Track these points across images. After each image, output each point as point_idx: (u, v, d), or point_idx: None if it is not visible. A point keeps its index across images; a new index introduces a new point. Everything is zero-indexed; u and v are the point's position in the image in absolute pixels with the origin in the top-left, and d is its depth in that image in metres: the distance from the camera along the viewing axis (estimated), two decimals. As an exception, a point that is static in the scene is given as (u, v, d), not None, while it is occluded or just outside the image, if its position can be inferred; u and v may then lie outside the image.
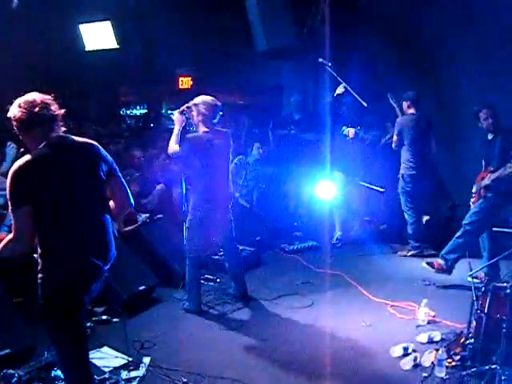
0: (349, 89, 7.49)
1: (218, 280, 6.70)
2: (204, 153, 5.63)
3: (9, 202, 3.19)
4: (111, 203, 3.61)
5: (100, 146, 3.55)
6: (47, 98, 3.39)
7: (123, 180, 3.61)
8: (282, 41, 8.83)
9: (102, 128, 11.16)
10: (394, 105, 7.91)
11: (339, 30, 8.95)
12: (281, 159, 9.48)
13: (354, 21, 9.34)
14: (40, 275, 3.32)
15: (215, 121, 5.70)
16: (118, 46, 10.39)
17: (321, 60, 7.58)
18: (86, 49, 10.47)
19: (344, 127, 8.08)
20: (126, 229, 6.68)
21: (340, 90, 7.56)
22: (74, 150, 3.41)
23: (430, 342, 5.01)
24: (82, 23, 10.28)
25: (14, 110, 3.31)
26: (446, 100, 8.96)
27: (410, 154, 7.82)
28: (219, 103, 5.72)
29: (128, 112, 15.12)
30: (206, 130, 5.68)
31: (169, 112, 14.06)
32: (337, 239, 8.49)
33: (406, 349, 4.80)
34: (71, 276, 3.34)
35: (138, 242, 6.66)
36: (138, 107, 15.14)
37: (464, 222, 6.50)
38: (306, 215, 9.21)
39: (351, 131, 7.72)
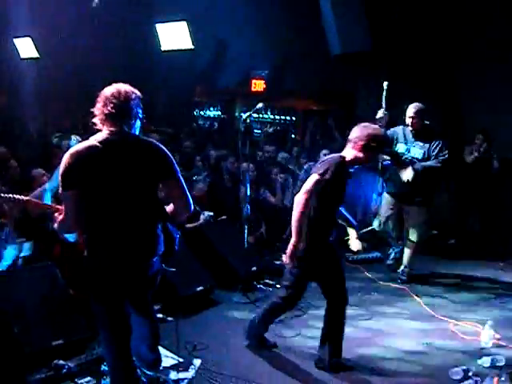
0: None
1: (278, 286, 6.58)
2: None
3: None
4: (170, 206, 3.59)
5: (163, 148, 3.53)
6: (129, 92, 3.42)
7: (184, 184, 3.55)
8: (356, 46, 8.68)
9: (173, 128, 11.28)
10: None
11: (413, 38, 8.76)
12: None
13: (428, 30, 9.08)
14: (84, 260, 3.42)
15: None
16: (193, 47, 10.49)
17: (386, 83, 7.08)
18: (162, 48, 10.62)
19: None
20: (188, 226, 6.61)
21: (379, 114, 6.97)
22: (132, 148, 3.41)
23: (493, 366, 4.73)
24: (159, 23, 10.43)
25: (98, 100, 3.40)
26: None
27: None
28: None
29: (201, 113, 15.26)
30: None
31: (241, 114, 14.11)
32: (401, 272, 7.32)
33: (466, 371, 4.55)
34: (108, 266, 3.40)
35: (199, 241, 6.60)
36: (211, 108, 15.26)
37: None
38: (373, 224, 8.94)
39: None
